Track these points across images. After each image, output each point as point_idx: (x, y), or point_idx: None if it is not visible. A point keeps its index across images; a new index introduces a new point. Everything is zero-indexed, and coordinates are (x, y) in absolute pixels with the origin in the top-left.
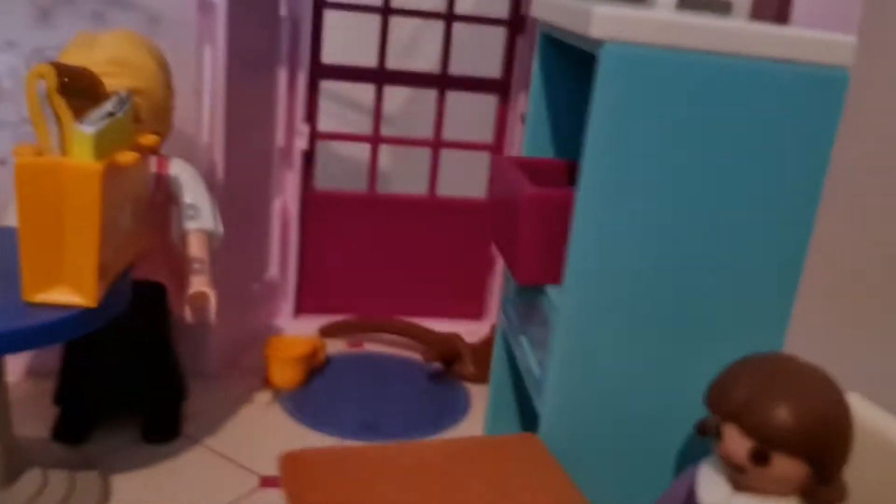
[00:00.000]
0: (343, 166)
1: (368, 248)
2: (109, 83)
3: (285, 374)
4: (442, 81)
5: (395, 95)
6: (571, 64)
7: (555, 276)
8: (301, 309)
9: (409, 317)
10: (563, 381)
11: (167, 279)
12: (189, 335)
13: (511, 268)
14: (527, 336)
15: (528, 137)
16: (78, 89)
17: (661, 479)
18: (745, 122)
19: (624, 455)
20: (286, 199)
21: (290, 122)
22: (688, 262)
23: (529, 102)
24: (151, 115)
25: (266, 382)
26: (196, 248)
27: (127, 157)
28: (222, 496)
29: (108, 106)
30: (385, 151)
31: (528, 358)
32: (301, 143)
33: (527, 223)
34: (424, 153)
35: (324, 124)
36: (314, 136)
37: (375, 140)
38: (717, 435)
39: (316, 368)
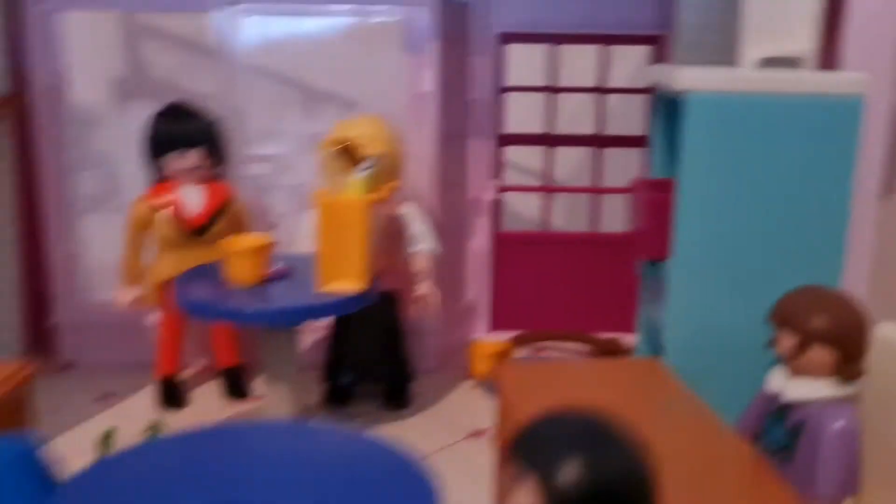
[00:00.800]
0: (519, 213)
1: (545, 276)
2: (364, 149)
3: (485, 366)
4: (599, 141)
5: (561, 156)
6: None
7: (667, 252)
8: (494, 326)
9: (578, 329)
10: (677, 320)
11: (400, 289)
12: (414, 340)
13: (642, 252)
14: (655, 303)
15: (654, 164)
16: (347, 154)
17: (753, 390)
18: (790, 138)
19: (724, 374)
20: (480, 239)
21: (481, 179)
22: (756, 237)
23: (651, 137)
24: (390, 172)
25: (470, 373)
26: (421, 264)
27: (379, 196)
28: (441, 444)
29: (366, 164)
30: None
31: (657, 317)
32: (490, 195)
33: (646, 215)
34: (584, 199)
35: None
36: (500, 189)
37: (549, 189)
38: (777, 340)
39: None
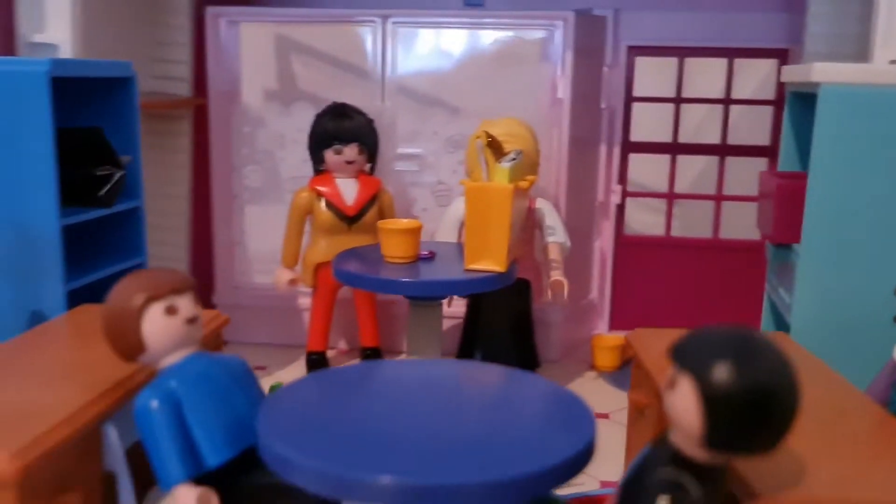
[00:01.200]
0: (643, 218)
1: (665, 278)
2: (506, 144)
3: (605, 359)
4: (722, 150)
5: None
6: (806, 107)
7: (796, 236)
8: (614, 323)
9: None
10: (804, 300)
11: (531, 278)
12: (541, 331)
13: (770, 236)
14: (782, 286)
15: (783, 159)
16: (492, 147)
17: (878, 367)
18: None
19: (849, 350)
20: (603, 241)
21: (608, 184)
22: (882, 223)
23: (783, 129)
24: (529, 167)
25: (592, 366)
26: (554, 253)
27: (522, 184)
28: None
29: (510, 156)
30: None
31: (784, 297)
32: (615, 199)
33: (777, 202)
34: (705, 206)
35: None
36: (625, 194)
37: (671, 196)
38: None
39: (626, 360)
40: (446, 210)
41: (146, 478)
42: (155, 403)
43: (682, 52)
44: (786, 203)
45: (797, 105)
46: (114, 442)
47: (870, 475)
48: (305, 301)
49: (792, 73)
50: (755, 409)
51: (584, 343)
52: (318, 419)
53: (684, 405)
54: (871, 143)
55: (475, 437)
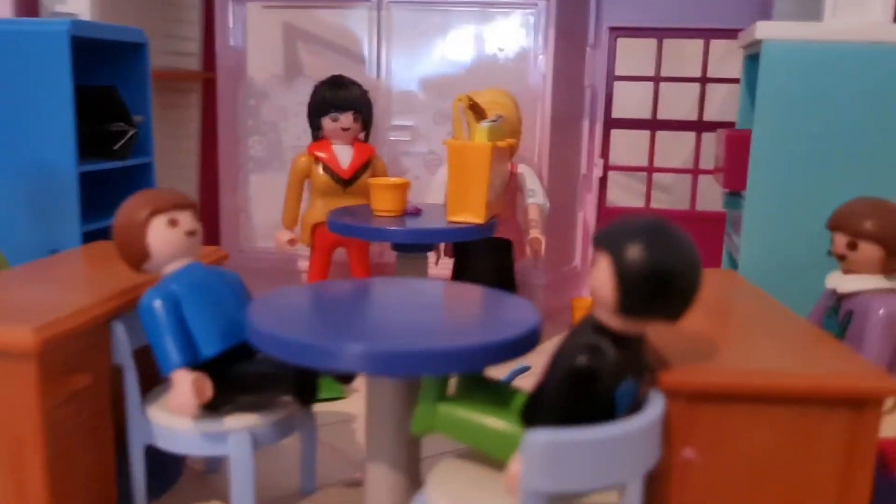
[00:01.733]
0: (623, 189)
1: None
2: (489, 111)
3: None
4: (698, 126)
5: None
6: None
7: (743, 184)
8: None
9: None
10: (749, 238)
11: (514, 238)
12: (524, 294)
13: (722, 183)
14: (734, 231)
15: (739, 116)
16: (474, 110)
17: (815, 299)
18: (856, 83)
19: (790, 285)
20: (586, 212)
21: (590, 157)
22: (821, 172)
23: (740, 92)
24: (509, 131)
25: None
26: (534, 214)
27: (501, 144)
28: None
29: (491, 118)
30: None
31: (735, 240)
32: (597, 172)
33: (727, 152)
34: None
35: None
36: (606, 167)
37: (650, 170)
38: (833, 243)
39: None
40: (434, 175)
41: (151, 378)
42: (157, 301)
43: (660, 34)
44: (734, 153)
45: (751, 68)
46: (121, 337)
47: (780, 359)
48: (304, 264)
49: (744, 37)
50: (659, 279)
51: (566, 309)
52: (302, 308)
53: (602, 279)
54: (808, 95)
55: (438, 322)
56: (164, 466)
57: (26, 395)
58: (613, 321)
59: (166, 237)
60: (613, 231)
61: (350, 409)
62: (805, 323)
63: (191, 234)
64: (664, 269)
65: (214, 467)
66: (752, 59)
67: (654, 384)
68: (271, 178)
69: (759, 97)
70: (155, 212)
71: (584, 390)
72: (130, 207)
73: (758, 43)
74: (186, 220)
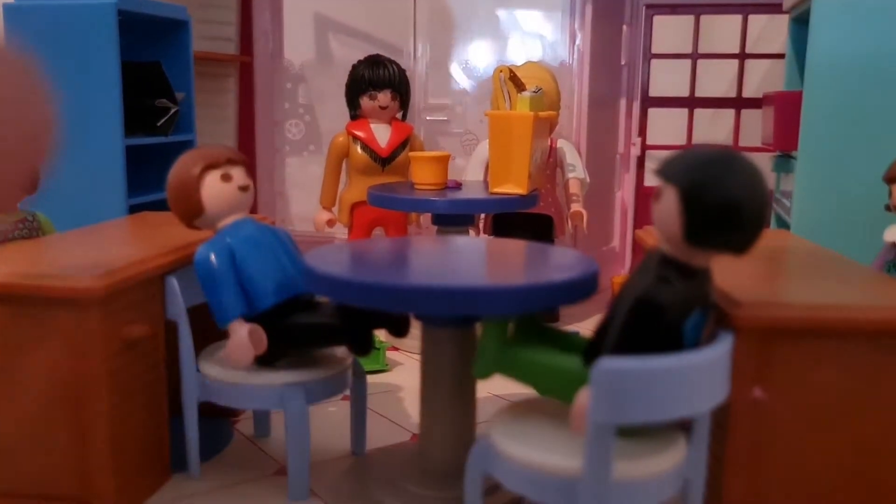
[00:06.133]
0: None
1: None
2: (528, 83)
3: None
4: (737, 103)
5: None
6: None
7: (794, 144)
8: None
9: None
10: (801, 198)
11: (554, 214)
12: None
13: (772, 145)
14: (783, 195)
15: (786, 78)
16: (514, 81)
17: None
18: None
19: (845, 239)
20: (624, 192)
21: (628, 137)
22: (871, 134)
23: (786, 55)
24: (549, 105)
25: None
26: (575, 188)
27: (542, 114)
28: None
29: (532, 89)
30: None
31: (785, 202)
32: (635, 152)
33: (777, 113)
34: None
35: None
36: (644, 146)
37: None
38: (888, 197)
39: None
40: (473, 152)
41: (204, 337)
42: (212, 254)
43: (698, 10)
44: (784, 114)
45: (798, 32)
46: (175, 292)
47: (850, 295)
48: None
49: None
50: (728, 207)
51: (605, 289)
52: (357, 255)
53: (668, 210)
54: (859, 50)
55: (500, 266)
56: (215, 430)
57: (91, 341)
58: (680, 252)
59: (220, 191)
60: (680, 161)
61: (393, 380)
62: (868, 269)
63: (243, 188)
64: (733, 196)
65: (264, 432)
66: (799, 24)
67: (722, 322)
68: (308, 161)
69: (809, 55)
70: (209, 167)
71: (652, 322)
72: (184, 163)
73: (807, 2)
74: (239, 175)
